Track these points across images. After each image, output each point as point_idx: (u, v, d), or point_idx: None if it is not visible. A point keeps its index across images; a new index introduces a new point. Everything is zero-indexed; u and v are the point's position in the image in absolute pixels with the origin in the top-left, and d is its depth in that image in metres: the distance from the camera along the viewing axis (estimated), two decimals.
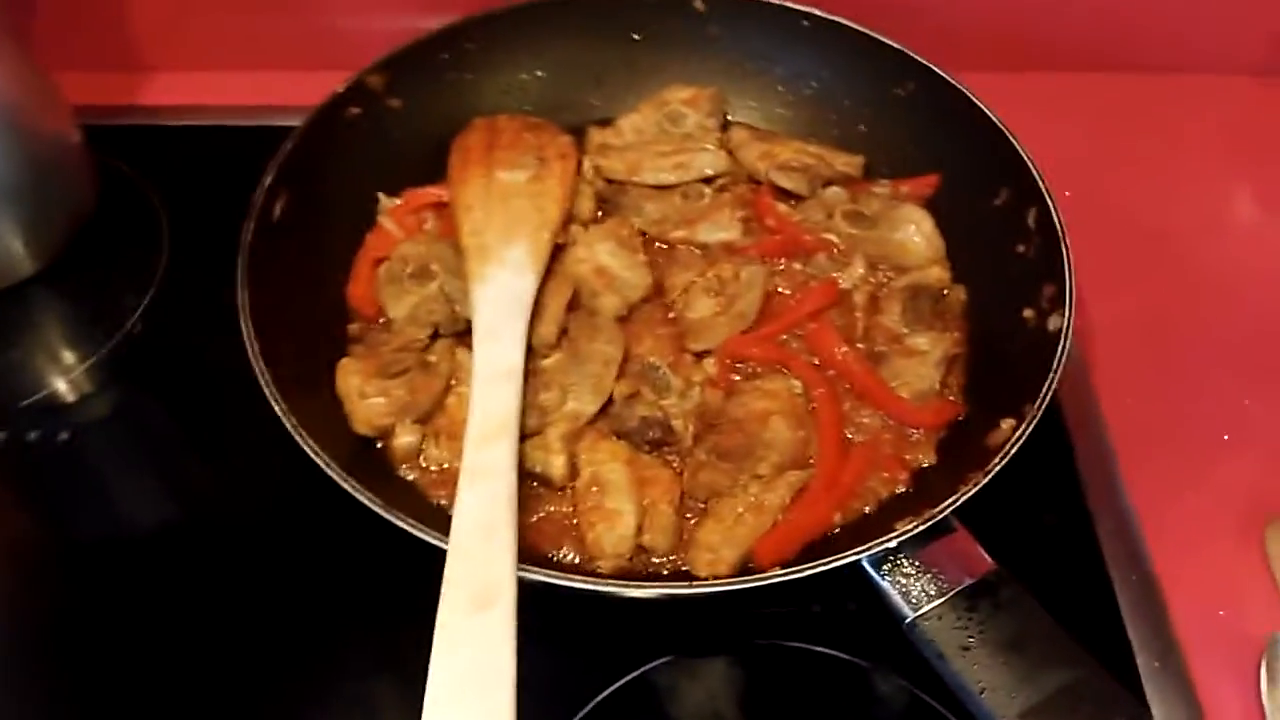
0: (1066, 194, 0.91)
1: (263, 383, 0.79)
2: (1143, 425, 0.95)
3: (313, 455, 0.76)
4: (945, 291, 0.96)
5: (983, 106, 0.98)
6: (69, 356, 1.04)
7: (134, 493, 0.96)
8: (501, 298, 0.87)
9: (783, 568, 0.75)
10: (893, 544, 0.72)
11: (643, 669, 0.79)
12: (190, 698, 0.82)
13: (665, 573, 0.81)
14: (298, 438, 0.77)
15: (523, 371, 0.82)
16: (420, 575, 0.66)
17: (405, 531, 0.72)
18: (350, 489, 0.74)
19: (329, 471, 0.75)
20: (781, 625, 0.82)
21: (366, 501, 0.73)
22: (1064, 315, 0.84)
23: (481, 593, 0.65)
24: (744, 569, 0.80)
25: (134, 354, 1.03)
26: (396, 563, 0.84)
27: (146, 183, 1.15)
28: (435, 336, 0.93)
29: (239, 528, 0.92)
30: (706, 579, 0.78)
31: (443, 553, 0.69)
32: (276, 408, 0.78)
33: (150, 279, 1.08)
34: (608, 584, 0.72)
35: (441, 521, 0.72)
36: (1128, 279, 1.06)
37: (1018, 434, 0.76)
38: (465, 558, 0.67)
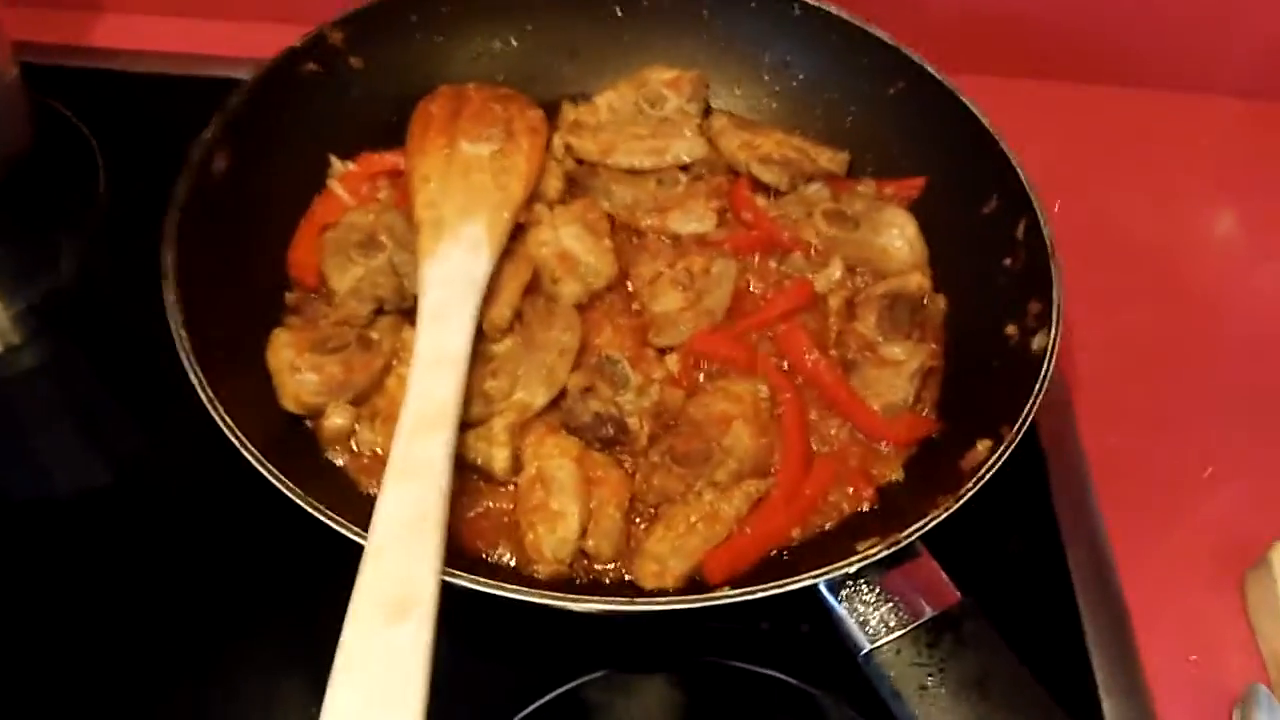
0: (1055, 207, 0.87)
1: (183, 352, 0.73)
2: (1122, 454, 0.90)
3: (229, 434, 0.69)
4: (925, 300, 0.91)
5: (975, 110, 0.93)
6: None
7: (54, 452, 0.91)
8: (453, 277, 0.81)
9: (734, 585, 0.70)
10: (853, 568, 0.66)
11: (574, 683, 0.74)
12: (89, 665, 0.77)
13: (607, 581, 0.75)
14: (214, 413, 0.70)
15: (469, 357, 0.75)
16: (346, 561, 0.60)
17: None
18: (266, 473, 0.68)
19: (244, 453, 0.69)
20: (727, 643, 0.77)
21: (282, 488, 0.67)
22: (1049, 335, 0.79)
23: (397, 602, 0.58)
24: (692, 583, 0.74)
25: (63, 304, 0.97)
26: (324, 546, 0.79)
27: (85, 127, 1.08)
28: (379, 312, 0.86)
29: (160, 497, 0.86)
30: (651, 592, 0.73)
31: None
32: (194, 380, 0.72)
33: (84, 227, 1.02)
34: (542, 595, 0.66)
35: (367, 513, 0.66)
36: (1113, 298, 1.02)
37: (994, 458, 0.72)
38: (382, 560, 0.60)
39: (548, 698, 0.72)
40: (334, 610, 0.58)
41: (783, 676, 0.75)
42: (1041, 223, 0.85)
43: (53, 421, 0.93)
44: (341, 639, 0.57)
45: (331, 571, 0.75)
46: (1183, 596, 0.84)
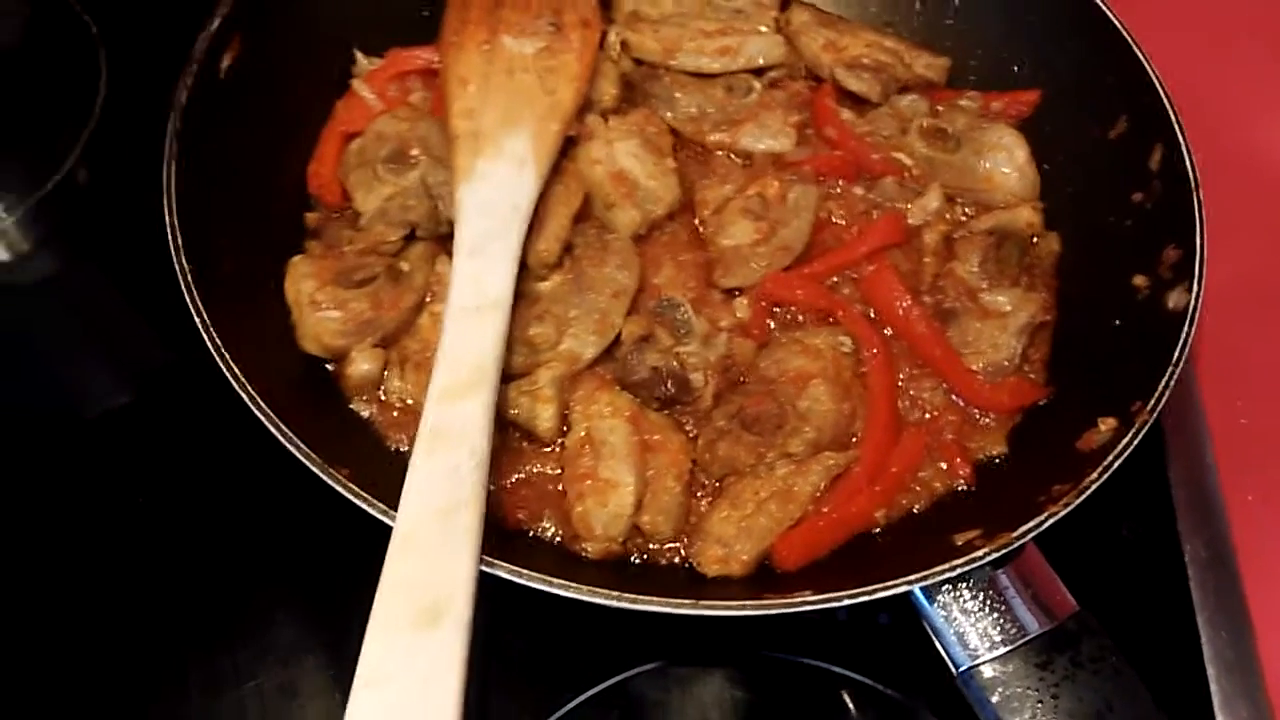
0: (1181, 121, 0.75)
1: (184, 285, 0.65)
2: (1255, 434, 0.79)
3: (236, 385, 0.61)
4: (1035, 239, 0.81)
5: (1104, 6, 0.80)
6: None
7: (69, 364, 0.88)
8: (494, 203, 0.70)
9: (809, 574, 0.62)
10: (954, 573, 0.57)
11: (625, 675, 0.67)
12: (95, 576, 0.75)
13: (663, 562, 0.67)
14: (220, 361, 0.62)
15: (511, 301, 0.65)
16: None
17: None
18: (281, 436, 0.60)
19: (254, 409, 0.60)
20: (795, 635, 0.69)
21: (300, 455, 0.59)
22: (1190, 291, 0.69)
23: (428, 604, 0.51)
24: (760, 569, 0.65)
25: (67, 208, 0.90)
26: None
27: (84, 11, 0.97)
28: (411, 238, 0.77)
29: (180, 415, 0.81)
30: (714, 579, 0.64)
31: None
32: (197, 319, 0.63)
33: (85, 124, 0.92)
34: (593, 593, 0.58)
35: (398, 474, 0.57)
36: (1249, 238, 0.89)
37: (1123, 443, 0.62)
38: (412, 552, 0.53)
39: (595, 690, 0.66)
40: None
41: (856, 676, 0.67)
42: (1184, 150, 0.74)
43: (65, 333, 0.89)
44: (364, 647, 0.50)
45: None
46: None
